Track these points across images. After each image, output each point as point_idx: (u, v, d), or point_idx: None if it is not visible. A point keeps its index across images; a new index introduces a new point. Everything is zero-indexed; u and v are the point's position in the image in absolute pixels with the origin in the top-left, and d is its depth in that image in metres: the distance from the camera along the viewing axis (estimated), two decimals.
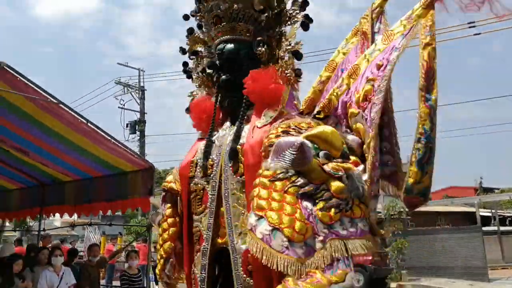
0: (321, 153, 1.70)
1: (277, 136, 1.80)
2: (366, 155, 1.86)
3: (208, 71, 2.26)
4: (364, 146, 1.89)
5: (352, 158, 1.80)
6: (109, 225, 9.26)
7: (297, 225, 1.56)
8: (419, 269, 17.36)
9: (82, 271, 6.68)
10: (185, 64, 2.40)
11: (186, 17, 2.33)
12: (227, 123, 2.19)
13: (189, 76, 2.38)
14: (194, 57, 2.38)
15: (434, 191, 48.86)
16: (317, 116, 2.11)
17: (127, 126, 29.25)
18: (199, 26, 2.34)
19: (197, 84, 2.37)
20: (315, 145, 1.72)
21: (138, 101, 29.93)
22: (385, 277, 16.22)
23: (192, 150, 2.24)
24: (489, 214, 27.64)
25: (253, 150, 1.92)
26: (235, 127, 2.07)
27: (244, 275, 1.88)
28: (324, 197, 1.64)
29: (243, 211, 1.95)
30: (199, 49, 2.37)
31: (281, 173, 1.68)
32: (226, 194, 2.01)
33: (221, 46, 2.18)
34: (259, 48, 2.11)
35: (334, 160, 1.72)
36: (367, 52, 2.05)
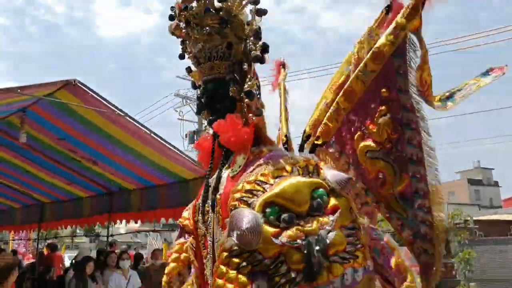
0: (283, 217, 1.54)
1: (239, 200, 1.65)
2: (392, 203, 1.86)
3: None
4: (389, 188, 1.87)
5: (331, 202, 1.62)
6: (172, 230, 9.60)
7: None
8: (489, 282, 16.58)
9: (145, 275, 6.97)
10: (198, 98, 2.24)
11: (181, 57, 2.21)
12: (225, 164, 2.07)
13: (198, 113, 2.24)
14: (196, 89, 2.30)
15: (506, 198, 46.38)
16: (316, 142, 2.05)
17: (186, 137, 30.12)
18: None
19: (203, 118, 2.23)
20: (275, 207, 1.56)
21: None
22: None
23: (200, 191, 2.11)
24: None
25: (224, 203, 1.79)
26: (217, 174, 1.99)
27: None
28: (280, 272, 1.47)
29: None
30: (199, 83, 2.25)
31: (235, 249, 1.52)
32: (213, 244, 1.92)
33: (203, 87, 2.09)
34: (231, 87, 1.98)
35: (298, 222, 1.53)
36: (359, 73, 1.93)
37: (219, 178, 1.95)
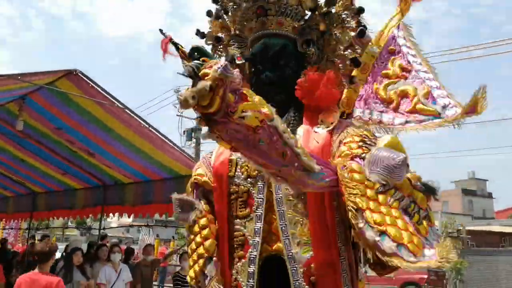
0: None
1: (360, 147, 1.75)
2: (421, 108, 1.99)
3: (239, 62, 2.09)
4: (416, 100, 2.02)
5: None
6: (165, 226, 9.56)
7: (415, 240, 1.56)
8: None
9: (136, 270, 6.93)
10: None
11: (202, 35, 2.22)
12: None
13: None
14: (212, 42, 2.24)
15: (498, 210, 46.62)
16: (342, 117, 2.09)
17: (184, 133, 30.10)
18: (225, 11, 2.19)
19: None
20: None
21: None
22: None
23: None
24: None
25: (321, 156, 1.80)
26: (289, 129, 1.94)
27: (307, 286, 1.80)
28: (415, 210, 1.62)
29: (301, 220, 1.86)
30: (220, 34, 2.23)
31: (380, 186, 1.62)
32: (278, 199, 1.87)
33: (265, 40, 2.04)
34: (310, 48, 2.04)
35: (409, 170, 1.67)
36: (368, 50, 2.12)
37: (293, 133, 1.78)
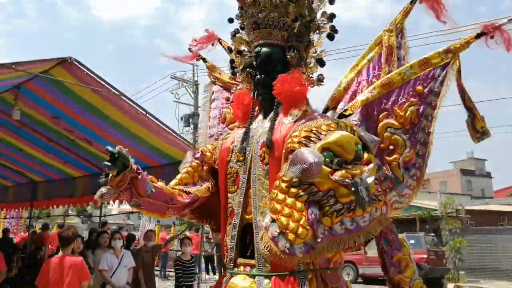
0: (335, 161, 1.93)
1: (299, 142, 2.08)
2: (395, 167, 2.34)
3: (243, 68, 2.59)
4: (398, 157, 2.34)
5: (365, 156, 2.06)
6: None
7: (299, 231, 1.83)
8: (479, 271, 16.84)
9: (137, 256, 6.96)
10: (231, 61, 2.72)
11: (230, 20, 2.65)
12: (260, 117, 2.52)
13: (234, 73, 2.71)
14: (239, 55, 2.65)
15: (497, 189, 46.79)
16: (343, 113, 2.47)
17: (181, 119, 30.04)
18: (242, 28, 2.63)
19: (239, 80, 2.69)
20: (330, 152, 1.96)
21: (192, 95, 30.67)
22: (441, 277, 15.83)
23: (230, 137, 2.57)
24: None
25: (278, 145, 2.22)
26: (269, 123, 2.36)
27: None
28: (329, 202, 1.86)
29: (266, 194, 2.27)
30: (242, 48, 2.65)
31: (295, 181, 1.90)
32: (253, 178, 2.34)
33: (258, 49, 2.47)
34: (290, 53, 2.41)
35: (346, 166, 1.93)
36: (402, 71, 2.41)
37: (272, 125, 2.31)
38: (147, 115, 6.09)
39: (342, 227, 1.88)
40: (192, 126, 30.12)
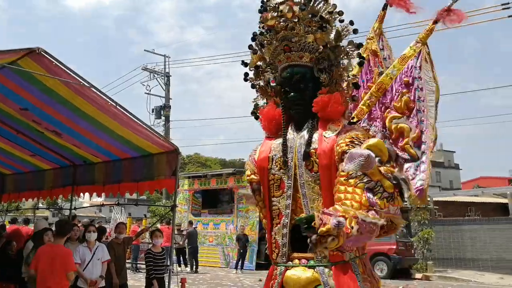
0: (377, 159, 2.39)
1: (347, 145, 2.51)
2: (408, 149, 2.81)
3: (273, 85, 2.91)
4: (408, 140, 2.83)
5: (391, 162, 2.50)
6: (135, 204, 9.59)
7: (363, 200, 2.30)
8: (446, 261, 17.26)
9: (108, 248, 6.92)
10: (246, 74, 3.05)
11: (245, 64, 3.03)
12: (293, 128, 2.86)
13: (253, 86, 3.04)
14: (253, 70, 3.02)
15: (465, 181, 47.98)
16: (352, 120, 2.93)
17: (152, 112, 29.81)
18: (261, 45, 2.92)
19: (259, 93, 3.05)
20: (373, 151, 2.40)
21: (164, 87, 30.44)
22: (409, 267, 16.22)
23: (266, 147, 2.89)
24: None
25: (325, 154, 2.61)
26: (306, 134, 2.75)
27: None
28: (380, 191, 2.33)
29: (316, 197, 2.67)
30: (259, 63, 3.00)
31: (352, 173, 2.37)
32: (302, 184, 2.69)
33: (290, 69, 2.80)
34: (322, 75, 2.78)
35: (384, 164, 2.41)
36: (388, 72, 2.96)
37: (310, 137, 2.70)
38: (117, 107, 6.06)
39: (389, 210, 2.36)
40: (163, 118, 29.99)
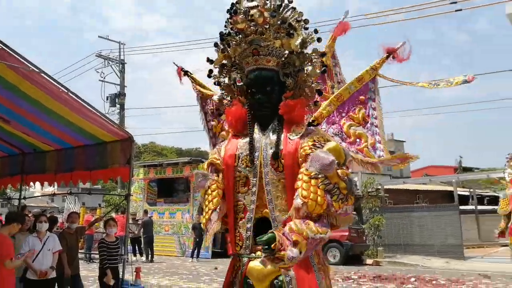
0: (337, 161, 2.62)
1: (310, 148, 2.73)
2: (366, 151, 3.21)
3: (239, 84, 3.05)
4: (366, 144, 3.23)
5: (346, 164, 2.76)
6: (89, 193, 9.40)
7: (321, 211, 2.59)
8: (395, 247, 17.79)
9: (60, 238, 6.75)
10: (210, 71, 3.20)
11: (210, 62, 3.14)
12: (258, 128, 3.01)
13: (217, 83, 3.20)
14: (218, 67, 3.16)
15: (414, 170, 49.64)
16: (312, 123, 3.14)
17: (107, 99, 29.13)
18: (228, 46, 3.04)
19: (224, 91, 3.21)
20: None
21: (119, 75, 29.77)
22: (361, 253, 16.70)
23: (232, 145, 3.02)
24: (468, 193, 28.23)
25: (290, 155, 2.80)
26: (272, 135, 2.94)
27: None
28: (336, 193, 2.61)
29: (280, 195, 2.85)
30: (224, 62, 3.13)
31: (315, 174, 2.60)
32: (267, 182, 2.86)
33: (258, 72, 2.95)
34: (288, 80, 2.97)
35: (341, 167, 2.66)
36: (347, 87, 3.35)
37: (279, 139, 2.87)
38: (69, 93, 5.88)
39: (341, 210, 2.64)
40: (118, 106, 29.37)
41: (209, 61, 3.16)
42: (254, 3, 2.89)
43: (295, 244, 2.44)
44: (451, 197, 19.15)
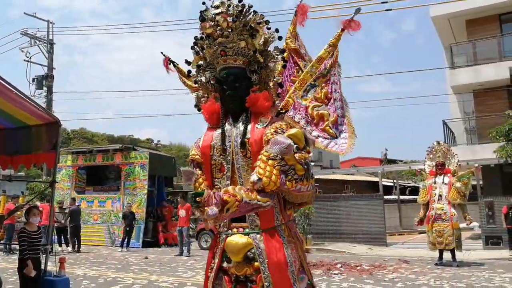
0: (295, 146, 2.92)
1: (272, 134, 3.03)
2: (328, 130, 3.55)
3: (213, 82, 3.39)
4: (328, 123, 3.56)
5: (307, 148, 3.05)
6: (9, 180, 8.84)
7: (274, 187, 2.90)
8: (324, 234, 18.42)
9: None
10: (189, 71, 3.59)
11: (188, 63, 3.49)
12: (230, 120, 3.34)
13: (196, 82, 3.53)
14: (195, 68, 3.50)
15: (342, 161, 51.55)
16: (280, 111, 3.46)
17: (33, 81, 27.60)
18: (202, 48, 3.40)
19: (201, 88, 3.53)
20: (293, 140, 2.95)
21: (46, 55, 28.28)
22: None
23: (208, 137, 3.37)
24: (391, 184, 29.78)
25: (256, 143, 3.12)
26: (242, 126, 3.25)
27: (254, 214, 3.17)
28: (291, 173, 2.91)
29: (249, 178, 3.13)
30: (200, 63, 3.46)
31: (273, 156, 2.90)
32: (238, 167, 3.21)
33: (226, 71, 3.29)
34: (254, 76, 3.30)
35: (300, 151, 2.94)
36: (308, 70, 3.61)
37: (246, 128, 3.20)
38: None
39: (297, 189, 2.96)
40: (45, 88, 27.94)
41: (187, 62, 3.53)
42: (218, 10, 3.25)
43: (224, 202, 2.81)
44: (377, 187, 20.02)
